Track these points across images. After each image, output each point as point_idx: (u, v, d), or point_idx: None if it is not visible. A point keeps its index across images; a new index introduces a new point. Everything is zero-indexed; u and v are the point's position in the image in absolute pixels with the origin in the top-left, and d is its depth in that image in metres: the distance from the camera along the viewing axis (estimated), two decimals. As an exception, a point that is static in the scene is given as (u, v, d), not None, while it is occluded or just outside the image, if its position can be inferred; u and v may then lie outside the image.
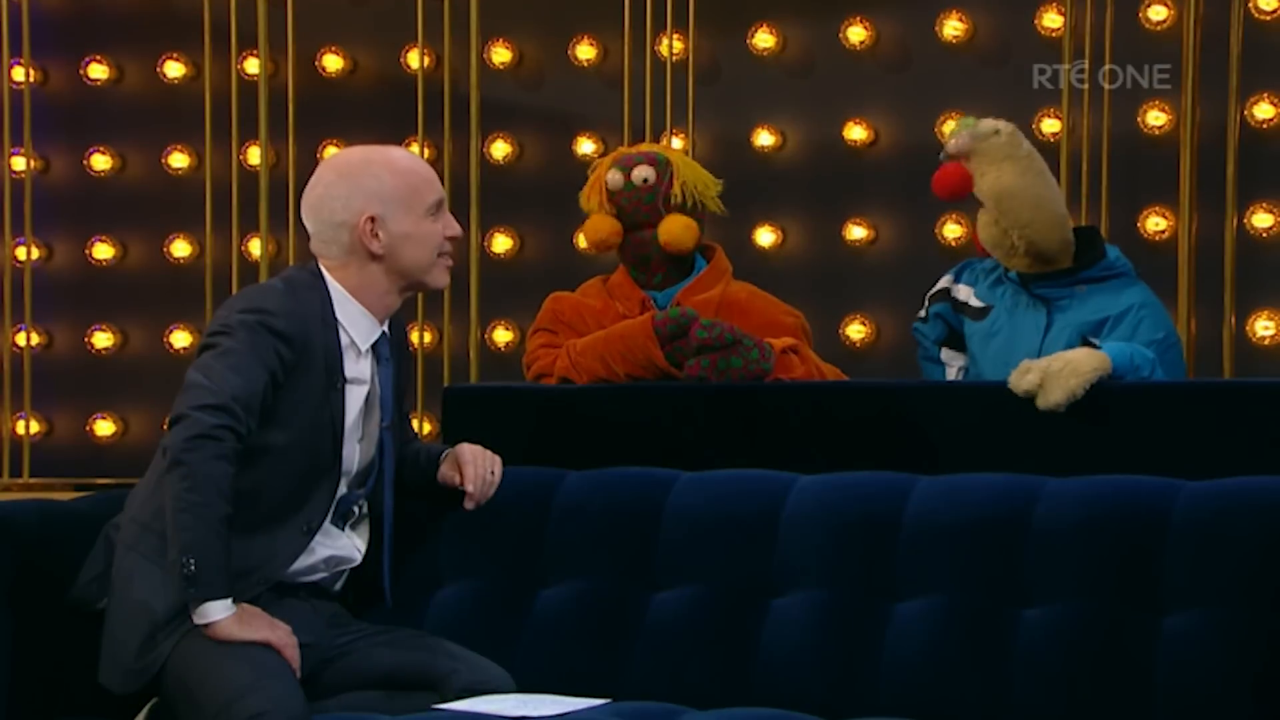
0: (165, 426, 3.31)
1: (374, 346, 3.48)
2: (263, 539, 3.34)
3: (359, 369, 3.46)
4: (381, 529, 3.57)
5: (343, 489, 3.46)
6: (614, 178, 4.19)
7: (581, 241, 5.60)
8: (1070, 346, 3.91)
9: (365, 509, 3.54)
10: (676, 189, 4.15)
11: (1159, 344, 3.93)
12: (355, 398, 3.45)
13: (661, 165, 4.18)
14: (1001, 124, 4.16)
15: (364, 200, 3.43)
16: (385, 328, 3.51)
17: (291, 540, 3.38)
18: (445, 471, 3.65)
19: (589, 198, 4.23)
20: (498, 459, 3.68)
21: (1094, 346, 3.84)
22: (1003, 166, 4.05)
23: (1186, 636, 3.21)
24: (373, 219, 3.43)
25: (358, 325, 3.46)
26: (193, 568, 3.15)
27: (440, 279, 3.52)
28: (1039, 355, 3.86)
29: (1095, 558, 3.32)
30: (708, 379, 3.87)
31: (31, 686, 3.44)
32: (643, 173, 4.18)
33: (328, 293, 3.44)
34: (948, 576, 3.40)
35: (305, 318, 3.37)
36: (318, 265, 3.48)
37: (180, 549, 3.17)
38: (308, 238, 3.53)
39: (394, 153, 3.53)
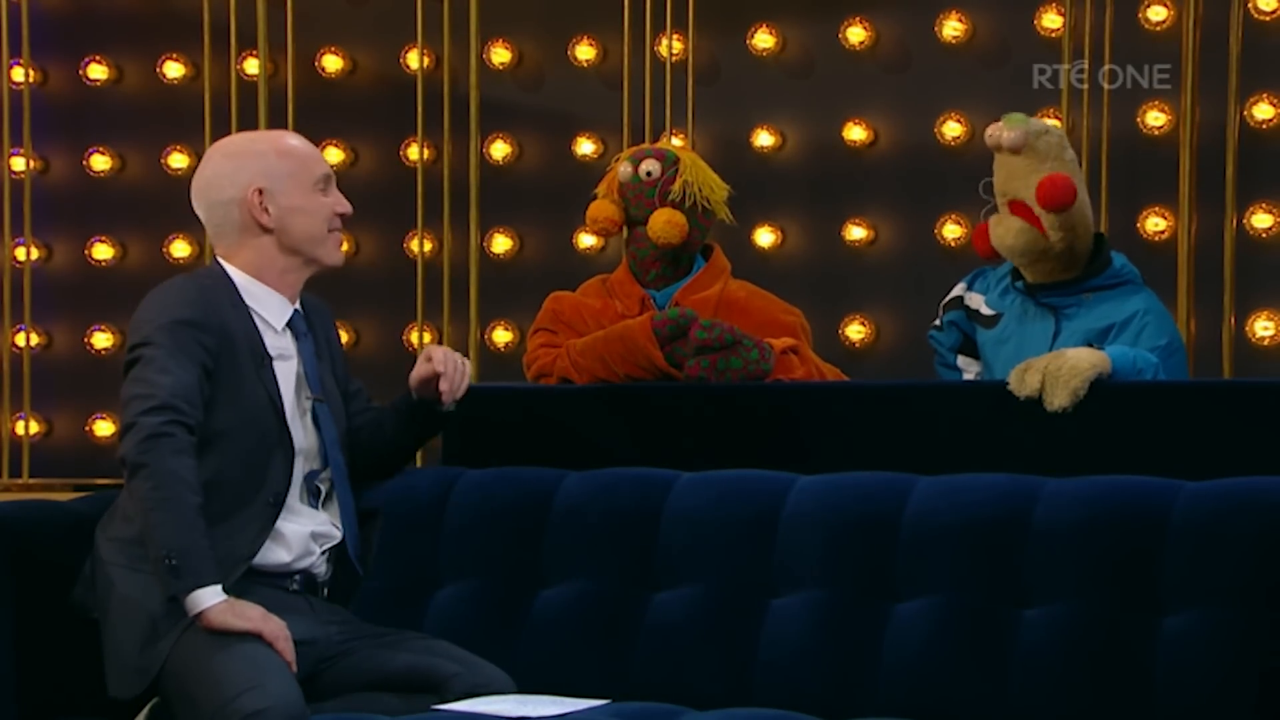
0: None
1: (290, 324, 3.51)
2: (231, 523, 3.34)
3: (281, 345, 3.49)
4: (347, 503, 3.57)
5: (302, 466, 3.47)
6: (624, 170, 4.22)
7: (581, 242, 5.61)
8: None
9: (332, 482, 3.54)
10: (677, 186, 4.15)
11: (1161, 350, 3.93)
12: (287, 373, 3.48)
13: (668, 162, 4.19)
14: (1051, 124, 4.16)
15: (250, 175, 3.49)
16: (298, 305, 3.54)
17: (258, 515, 3.39)
18: (416, 373, 3.63)
19: (601, 186, 4.26)
20: (465, 358, 3.67)
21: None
22: (1054, 167, 4.04)
23: (1186, 636, 3.21)
24: (260, 191, 3.48)
25: (266, 305, 3.49)
26: (174, 561, 3.16)
27: (333, 255, 3.55)
28: None
29: (1095, 558, 3.31)
30: (707, 379, 3.87)
31: (32, 687, 3.44)
32: (648, 166, 4.19)
33: (231, 281, 3.48)
34: (948, 576, 3.40)
35: (214, 302, 3.41)
36: (217, 261, 3.52)
37: (159, 547, 3.18)
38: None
39: (279, 133, 3.64)
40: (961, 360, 4.24)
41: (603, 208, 4.22)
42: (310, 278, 3.57)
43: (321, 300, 3.68)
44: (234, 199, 3.48)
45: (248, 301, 3.47)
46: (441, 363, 3.60)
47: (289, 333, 3.51)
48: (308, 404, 3.51)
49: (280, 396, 3.44)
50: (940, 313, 4.28)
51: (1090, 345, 3.93)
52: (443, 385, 3.61)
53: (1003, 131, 4.05)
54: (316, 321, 3.61)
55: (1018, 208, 4.04)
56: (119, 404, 5.93)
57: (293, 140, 3.58)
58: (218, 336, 3.37)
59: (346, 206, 3.57)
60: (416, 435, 3.74)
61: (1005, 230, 4.05)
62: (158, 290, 3.47)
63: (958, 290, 4.27)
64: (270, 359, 3.45)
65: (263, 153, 3.52)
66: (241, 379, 3.39)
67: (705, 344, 3.86)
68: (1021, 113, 4.13)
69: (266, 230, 3.49)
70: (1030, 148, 4.03)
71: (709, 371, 3.86)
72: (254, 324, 3.46)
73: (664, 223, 4.12)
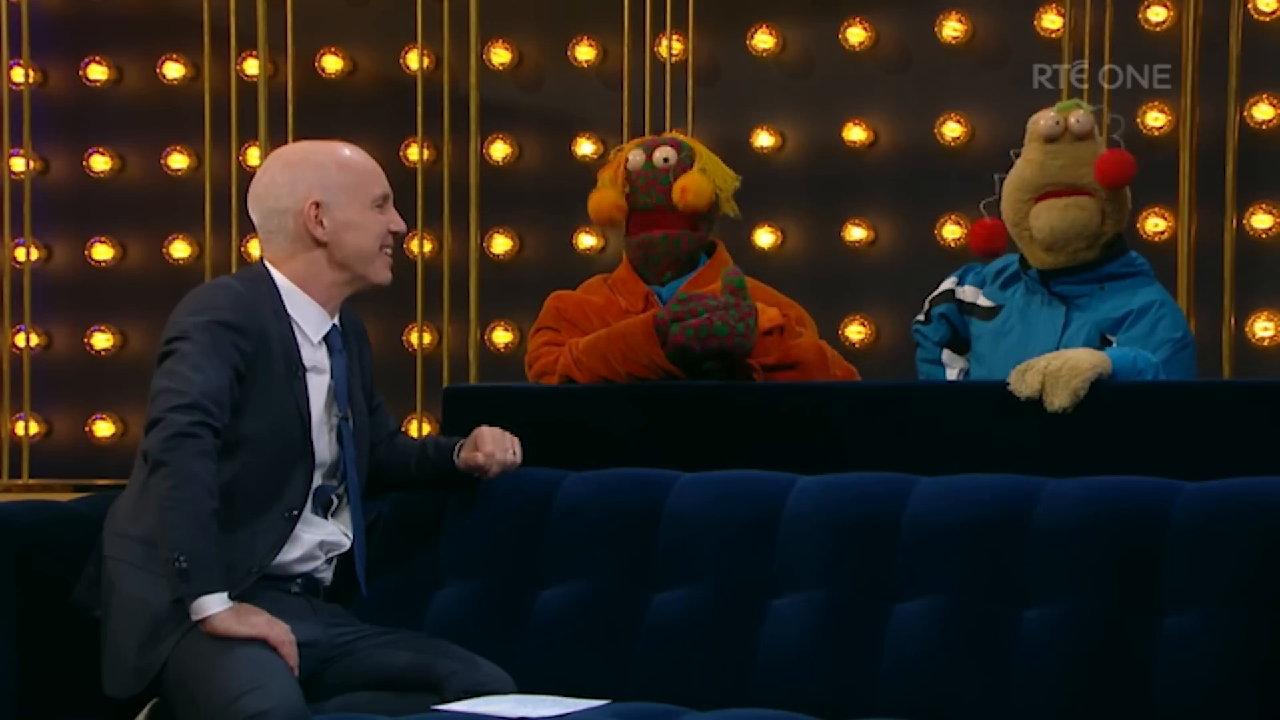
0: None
1: (326, 338, 3.51)
2: (245, 531, 3.35)
3: (316, 358, 3.49)
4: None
5: (318, 480, 3.47)
6: (636, 157, 4.19)
7: (581, 242, 5.61)
8: (1089, 344, 3.92)
9: (345, 497, 3.54)
10: (695, 171, 4.14)
11: (1176, 342, 3.94)
12: (318, 386, 3.48)
13: (684, 150, 4.18)
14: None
15: (308, 188, 3.47)
16: (336, 320, 3.53)
17: (274, 528, 3.40)
18: (466, 454, 3.67)
19: (604, 173, 4.23)
20: (516, 440, 3.69)
21: (1111, 344, 3.90)
22: (1103, 144, 4.11)
23: (1186, 636, 3.21)
24: (317, 204, 3.46)
25: (307, 317, 3.48)
26: (184, 564, 3.16)
27: (381, 274, 3.54)
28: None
29: (1095, 558, 3.31)
30: (692, 348, 3.82)
31: (33, 687, 3.44)
32: (664, 153, 4.17)
33: (275, 287, 3.47)
34: (948, 577, 3.39)
35: (257, 309, 3.40)
36: (264, 264, 3.51)
37: (171, 547, 3.17)
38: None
39: (340, 146, 3.58)
40: (946, 355, 4.23)
41: (608, 195, 4.19)
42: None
43: (358, 315, 3.67)
44: (290, 209, 3.47)
45: (289, 310, 3.46)
46: (486, 456, 3.63)
47: (324, 346, 3.51)
48: (334, 420, 3.50)
49: (309, 409, 3.44)
50: (926, 306, 4.26)
51: (1102, 335, 3.96)
52: (484, 461, 3.64)
53: (1072, 116, 4.05)
54: (352, 336, 3.60)
55: (1075, 194, 4.04)
56: (119, 404, 5.99)
57: (354, 154, 3.55)
58: (255, 342, 3.36)
59: (401, 225, 3.56)
60: (443, 484, 3.75)
61: (1062, 214, 4.02)
62: (202, 288, 3.48)
63: (947, 284, 4.26)
64: (304, 370, 3.45)
65: (323, 165, 3.50)
66: (272, 388, 3.39)
67: (678, 316, 3.83)
68: (1073, 100, 4.18)
69: (319, 243, 3.47)
70: (1094, 134, 4.07)
71: (693, 340, 3.82)
72: (292, 334, 3.45)
73: (700, 179, 4.08)
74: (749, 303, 3.84)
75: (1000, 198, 4.15)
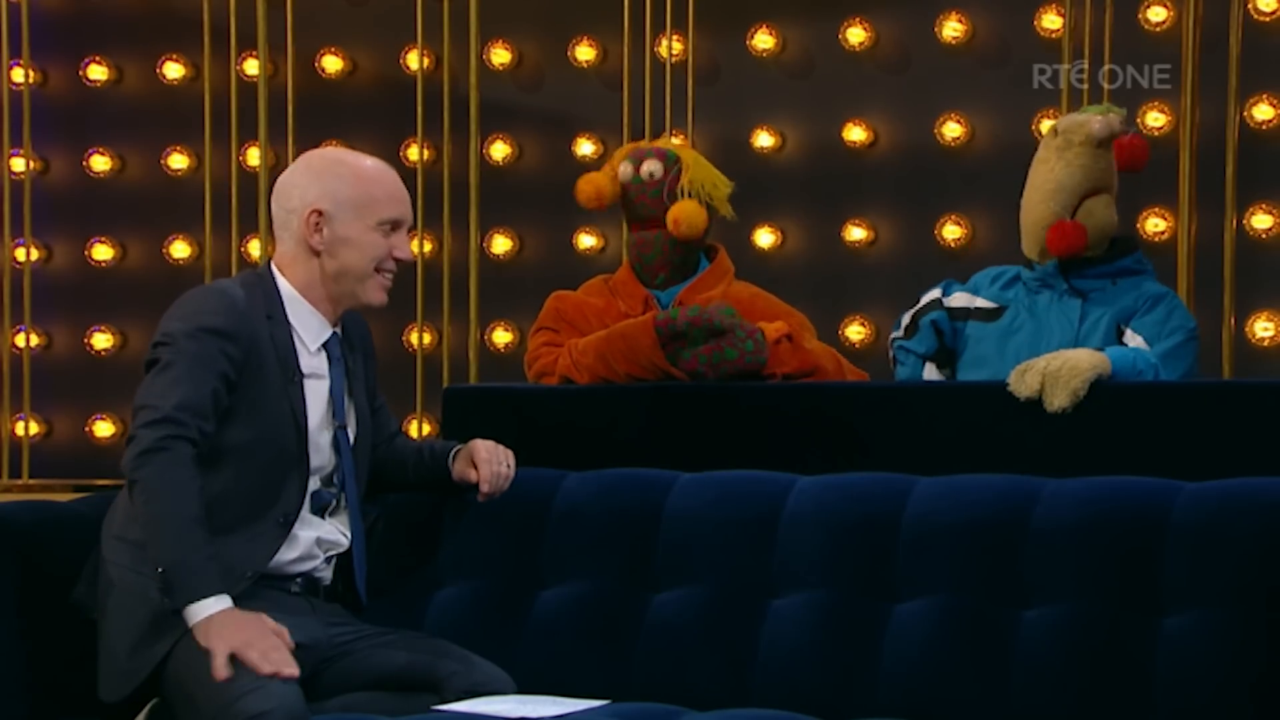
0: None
1: (325, 345, 3.50)
2: (241, 536, 3.34)
3: (314, 364, 3.47)
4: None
5: (314, 485, 3.46)
6: (625, 170, 4.20)
7: (581, 242, 5.61)
8: (1108, 335, 3.97)
9: (343, 500, 3.54)
10: (683, 183, 4.14)
11: (1189, 331, 3.98)
12: (317, 392, 3.47)
13: (670, 161, 4.18)
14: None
15: (317, 195, 3.45)
16: (337, 329, 3.52)
17: (270, 532, 3.39)
18: (460, 469, 3.66)
19: (600, 173, 4.24)
20: (510, 453, 3.68)
21: (1123, 333, 3.95)
22: None
23: (1186, 636, 3.21)
24: (320, 213, 3.44)
25: (306, 323, 3.47)
26: (167, 577, 3.16)
27: (372, 295, 3.50)
28: (1075, 345, 3.88)
29: (1095, 558, 3.32)
30: (705, 375, 3.87)
31: (33, 687, 3.44)
32: (650, 167, 4.18)
33: (276, 289, 3.46)
34: (947, 577, 3.40)
35: (248, 313, 3.39)
36: (270, 266, 3.50)
37: (155, 562, 3.18)
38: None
39: (368, 161, 3.54)
40: (928, 369, 4.21)
41: (597, 178, 4.18)
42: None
43: (360, 315, 3.64)
44: (295, 211, 3.46)
45: (289, 316, 3.45)
46: (487, 481, 3.62)
47: (323, 354, 3.50)
48: (333, 428, 3.50)
49: (306, 415, 3.43)
50: (907, 320, 4.21)
51: (1118, 325, 3.95)
52: (483, 488, 3.62)
53: (1114, 118, 4.10)
54: (356, 339, 3.59)
55: (1103, 192, 4.13)
56: (119, 404, 6.00)
57: (378, 173, 3.51)
58: (244, 348, 3.34)
59: (406, 254, 3.51)
60: (438, 489, 3.74)
61: (1106, 210, 4.13)
62: (195, 292, 3.46)
63: (931, 296, 4.23)
64: (302, 375, 3.43)
65: (340, 176, 3.47)
66: (266, 393, 3.37)
67: (695, 323, 3.84)
68: (1096, 106, 4.23)
69: (315, 253, 3.46)
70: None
71: (706, 367, 3.86)
72: (291, 339, 3.44)
73: (694, 209, 4.09)
74: (747, 322, 3.86)
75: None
